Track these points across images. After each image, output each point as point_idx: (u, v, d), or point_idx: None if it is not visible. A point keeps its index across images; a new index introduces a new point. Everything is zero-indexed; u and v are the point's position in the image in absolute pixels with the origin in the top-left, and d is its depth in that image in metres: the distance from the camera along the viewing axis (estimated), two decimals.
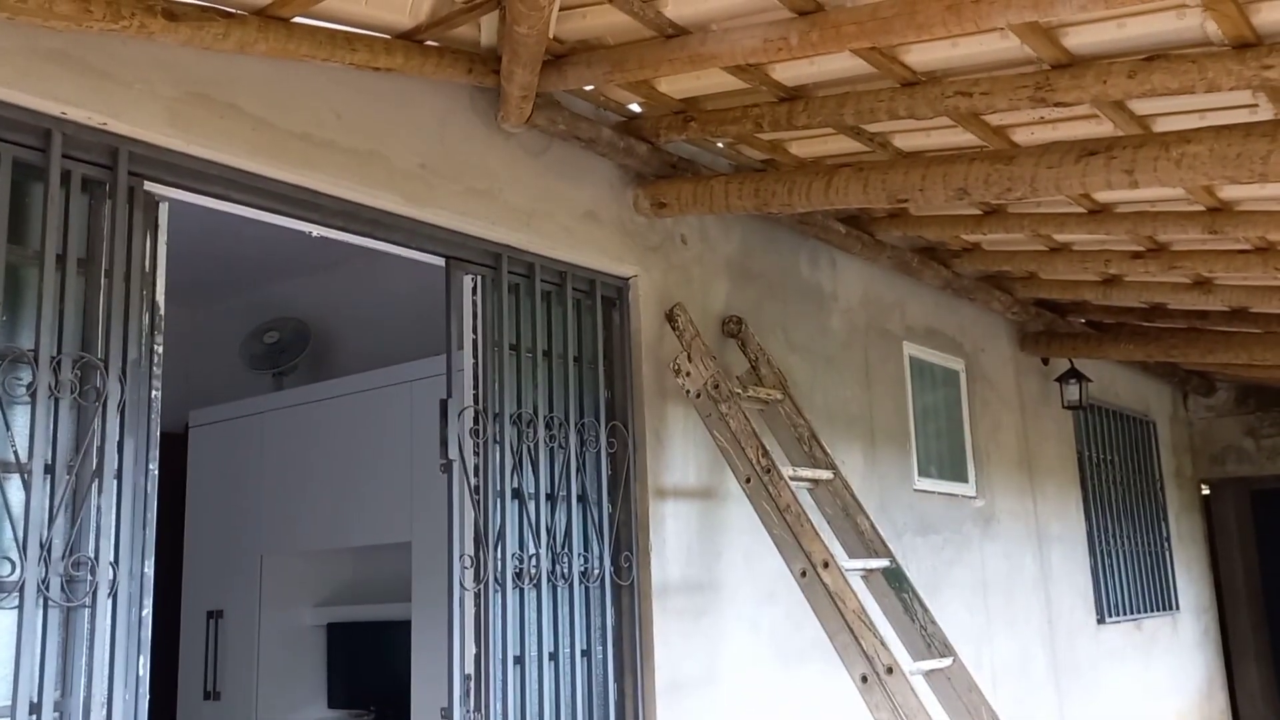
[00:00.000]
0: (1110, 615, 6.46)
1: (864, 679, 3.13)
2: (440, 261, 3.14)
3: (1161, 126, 3.05)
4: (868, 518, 3.69)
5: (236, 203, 2.68)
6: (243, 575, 4.73)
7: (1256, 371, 7.03)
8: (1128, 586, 6.79)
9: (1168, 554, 7.48)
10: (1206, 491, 8.60)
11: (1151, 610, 7.08)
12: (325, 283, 5.39)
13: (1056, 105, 2.76)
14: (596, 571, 3.35)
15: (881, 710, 3.07)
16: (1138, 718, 6.51)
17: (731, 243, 4.11)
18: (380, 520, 4.38)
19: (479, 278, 3.20)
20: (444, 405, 3.06)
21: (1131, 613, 6.77)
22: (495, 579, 3.04)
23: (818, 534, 3.31)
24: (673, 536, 3.60)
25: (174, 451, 5.14)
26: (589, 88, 3.22)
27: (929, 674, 3.35)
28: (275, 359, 5.20)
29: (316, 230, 2.87)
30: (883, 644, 3.12)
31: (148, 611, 2.34)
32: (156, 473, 2.42)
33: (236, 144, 2.60)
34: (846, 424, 4.57)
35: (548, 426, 3.29)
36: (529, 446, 3.23)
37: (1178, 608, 7.48)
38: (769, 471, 3.41)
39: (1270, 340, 5.45)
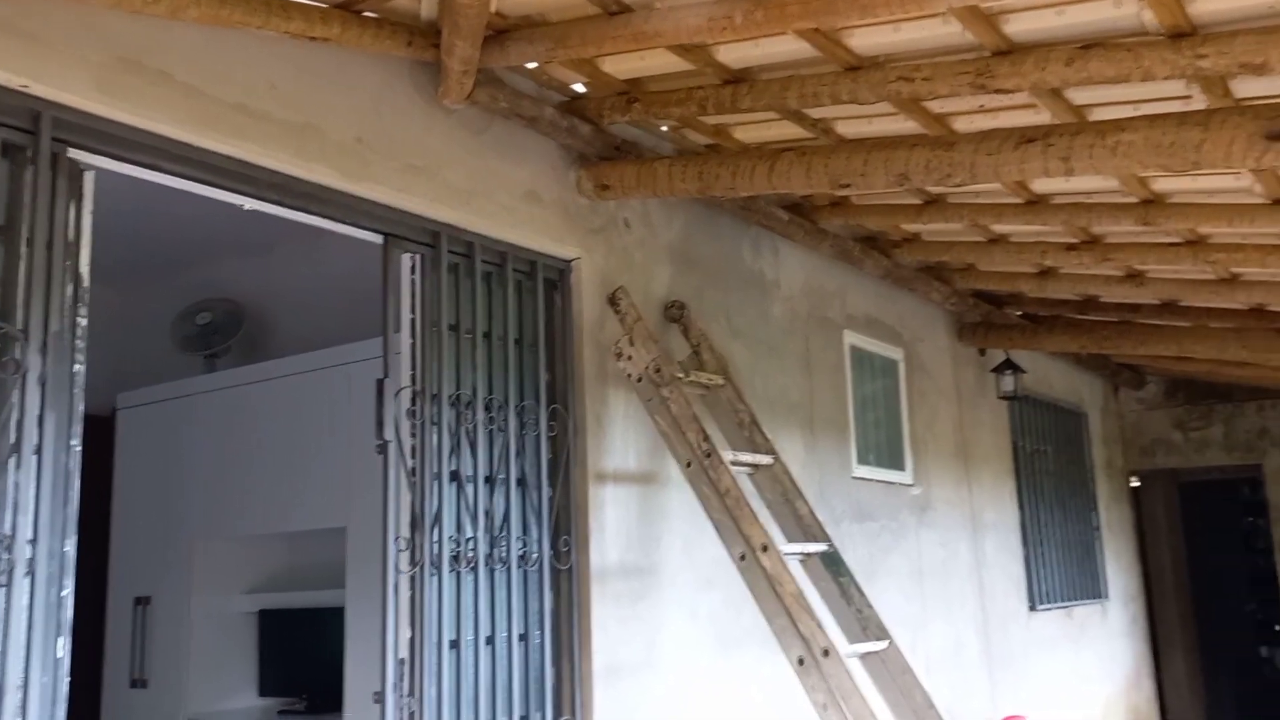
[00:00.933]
0: (1042, 603, 6.58)
1: (800, 661, 3.14)
2: (378, 239, 3.08)
3: (1097, 116, 3.10)
4: (806, 503, 3.70)
5: (166, 173, 2.60)
6: (172, 561, 4.61)
7: (1186, 365, 7.22)
8: (1059, 575, 6.93)
9: (1098, 543, 7.65)
10: (1136, 484, 8.81)
11: (1082, 598, 7.23)
12: (260, 264, 5.28)
13: (996, 92, 2.79)
14: (535, 555, 3.32)
15: (817, 692, 3.08)
16: (1067, 704, 6.65)
17: (674, 228, 4.10)
18: (315, 505, 4.30)
19: (418, 257, 3.14)
20: (380, 385, 3.01)
21: (1062, 600, 6.91)
22: (431, 562, 2.99)
23: (757, 518, 3.32)
24: (612, 521, 3.58)
25: (102, 434, 5.00)
26: (531, 65, 3.19)
27: (864, 657, 3.38)
28: (207, 341, 5.08)
29: (249, 203, 2.80)
30: (819, 627, 3.14)
31: (68, 592, 2.26)
32: (79, 450, 2.34)
33: (167, 112, 2.53)
34: (787, 411, 4.59)
35: (487, 409, 3.25)
36: (468, 429, 3.18)
37: (1107, 596, 7.66)
38: (709, 456, 3.40)
39: (1199, 333, 5.59)
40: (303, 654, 4.58)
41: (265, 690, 4.67)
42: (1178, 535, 9.43)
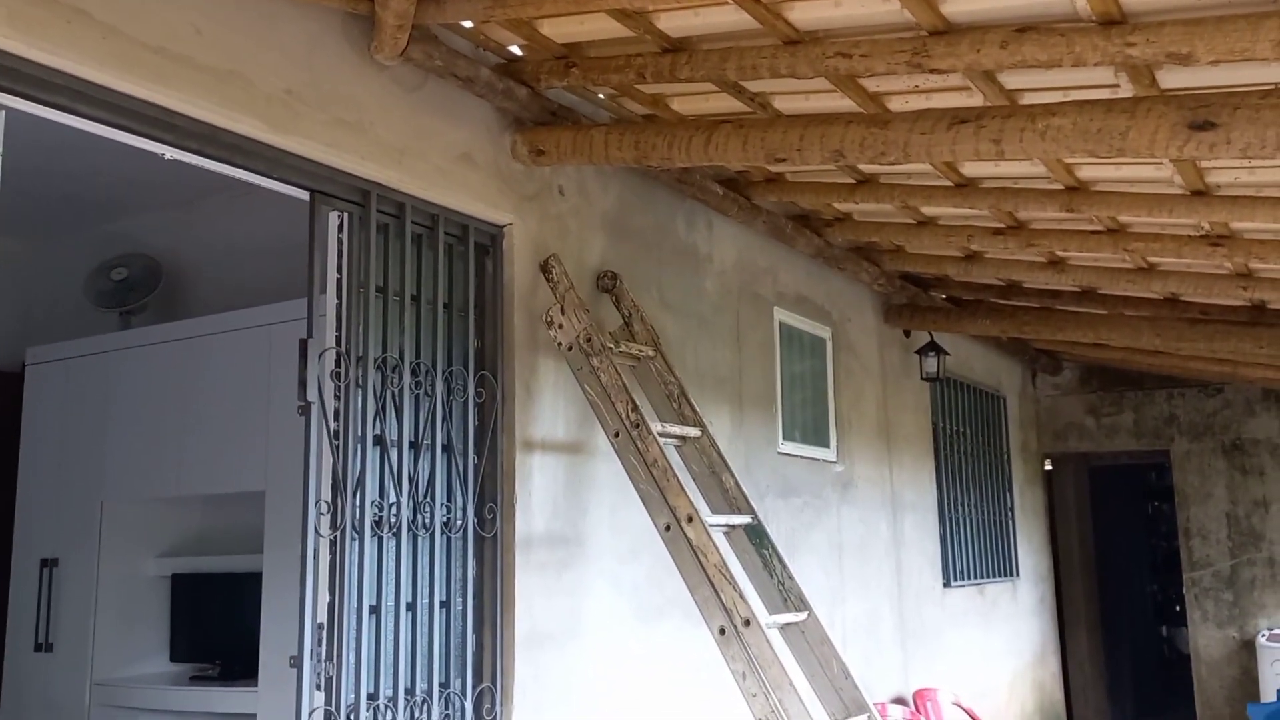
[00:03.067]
0: (955, 580, 6.75)
1: (722, 631, 3.17)
2: (304, 195, 3.00)
3: (1029, 101, 3.15)
4: (733, 475, 3.73)
5: (82, 116, 2.49)
6: (81, 522, 4.47)
7: (1101, 352, 7.43)
8: (973, 553, 7.10)
9: (1011, 524, 7.86)
10: (1049, 467, 9.06)
11: (994, 577, 7.43)
12: (180, 220, 5.12)
13: (932, 72, 2.81)
14: (459, 522, 3.29)
15: (737, 661, 3.11)
16: (977, 678, 6.84)
17: (609, 197, 4.07)
18: (233, 468, 4.20)
19: (345, 215, 3.07)
20: (304, 345, 2.94)
21: (975, 578, 7.09)
22: (353, 527, 2.94)
23: (683, 489, 3.33)
24: (539, 490, 3.57)
25: (9, 390, 4.82)
26: (468, 24, 3.12)
27: (784, 627, 3.42)
28: (123, 297, 4.92)
29: (170, 152, 2.70)
30: (741, 597, 3.17)
31: None
32: None
33: (83, 52, 2.42)
34: (716, 385, 4.62)
35: (414, 373, 3.20)
36: (393, 392, 3.13)
37: (1018, 575, 7.88)
38: (638, 426, 3.40)
39: (1115, 321, 5.75)
40: (217, 620, 4.49)
41: (177, 656, 4.57)
42: (1086, 518, 9.74)
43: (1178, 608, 9.14)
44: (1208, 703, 7.93)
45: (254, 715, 3.95)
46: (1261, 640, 7.49)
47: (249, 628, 4.09)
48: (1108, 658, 9.60)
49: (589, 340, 3.49)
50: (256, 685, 3.97)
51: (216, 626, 4.49)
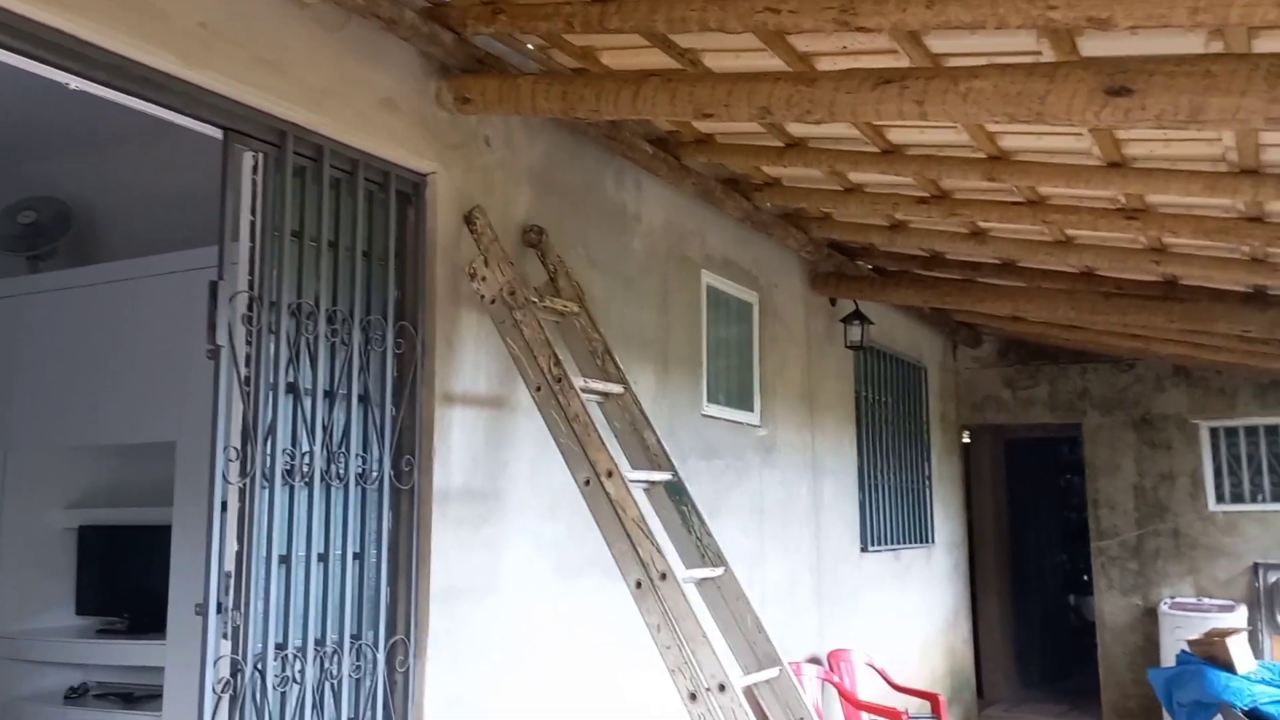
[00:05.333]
0: (873, 545, 6.88)
1: (638, 584, 3.18)
2: (218, 134, 2.91)
3: (952, 64, 3.18)
4: (654, 433, 3.73)
5: None
6: None
7: (1019, 326, 7.59)
8: (891, 519, 7.25)
9: (928, 492, 8.03)
10: (967, 440, 9.27)
11: (910, 543, 7.59)
12: (94, 166, 4.94)
13: (859, 30, 2.81)
14: (375, 474, 3.25)
15: (652, 614, 3.13)
16: (890, 641, 6.99)
17: (536, 151, 4.03)
18: (143, 418, 4.09)
19: (260, 156, 2.98)
20: (214, 287, 2.86)
21: (892, 544, 7.24)
22: (263, 475, 2.88)
23: (604, 444, 3.33)
24: (458, 444, 3.53)
25: None
26: None
27: (700, 582, 3.45)
28: (31, 241, 4.75)
29: (76, 82, 2.59)
30: (658, 551, 3.18)
31: None
32: None
33: None
34: (641, 346, 4.61)
35: (330, 321, 3.14)
36: (308, 340, 3.06)
37: (933, 542, 8.06)
38: (560, 381, 3.39)
39: (1033, 294, 5.87)
40: (126, 573, 4.39)
41: (84, 609, 4.46)
42: (1001, 489, 10.00)
43: (1085, 577, 9.44)
44: (1111, 668, 8.23)
45: (162, 668, 3.88)
46: (1164, 608, 7.78)
47: (158, 581, 4.00)
48: (1017, 624, 9.90)
49: (512, 294, 3.46)
50: (165, 638, 3.89)
51: (125, 580, 4.39)
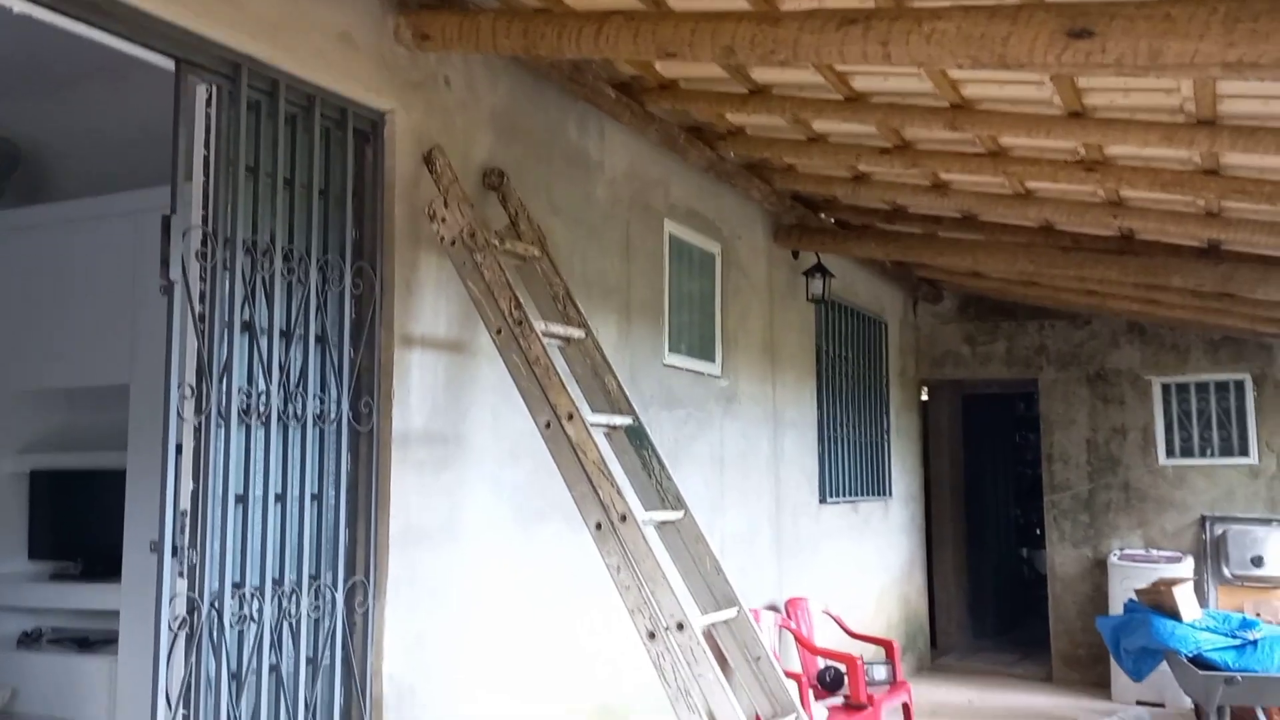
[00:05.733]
0: (831, 497, 6.96)
1: (598, 526, 3.20)
2: (170, 65, 2.83)
3: (916, 6, 3.16)
4: (615, 378, 3.74)
5: None
6: None
7: (979, 282, 7.66)
8: (849, 472, 7.33)
9: (887, 445, 8.12)
10: (926, 397, 9.36)
11: (868, 495, 7.69)
12: (43, 107, 4.80)
13: None
14: (333, 415, 3.22)
15: (612, 555, 3.15)
16: (847, 590, 7.10)
17: (498, 93, 3.97)
18: (96, 361, 4.04)
19: (214, 88, 2.92)
20: (167, 221, 2.80)
21: (850, 496, 7.33)
22: (218, 413, 2.85)
23: (564, 387, 3.33)
24: (418, 387, 3.51)
25: None
26: None
27: (660, 525, 3.48)
28: None
29: (18, 6, 2.51)
30: (618, 494, 3.20)
31: None
32: None
33: None
34: (604, 294, 4.60)
35: (286, 259, 3.09)
36: (263, 278, 3.02)
37: (891, 495, 8.17)
38: (520, 324, 3.37)
39: (991, 247, 5.92)
40: (79, 518, 4.34)
41: (36, 554, 4.41)
42: (958, 444, 10.14)
43: (1038, 531, 9.62)
44: (1061, 617, 8.42)
45: (117, 612, 3.86)
46: (1113, 559, 7.95)
47: (113, 527, 3.96)
48: (971, 576, 10.09)
49: (473, 235, 3.42)
50: (120, 583, 3.87)
51: (79, 525, 4.34)
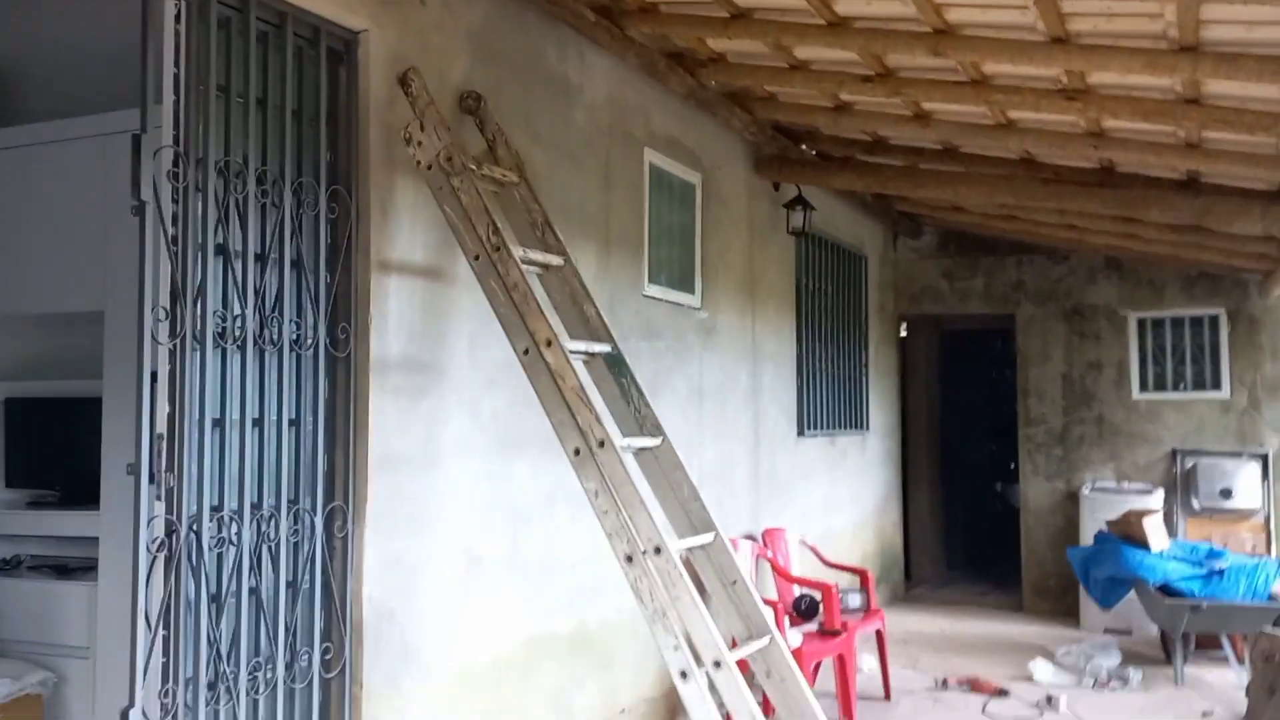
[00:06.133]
0: (809, 430, 7.01)
1: (577, 452, 3.21)
2: None
3: None
4: (594, 305, 3.72)
5: None
6: None
7: (959, 216, 7.66)
8: (827, 406, 7.37)
9: (865, 380, 8.17)
10: (905, 334, 9.40)
11: (845, 429, 7.75)
12: (6, 21, 4.67)
13: None
14: (310, 340, 3.20)
15: (590, 480, 3.17)
16: (824, 522, 7.19)
17: (475, 14, 3.89)
18: (69, 286, 3.97)
19: (183, 3, 2.83)
20: (137, 141, 2.75)
21: (828, 429, 7.38)
22: (194, 336, 2.82)
23: (542, 313, 3.32)
24: (395, 313, 3.49)
25: None
26: None
27: (639, 451, 3.49)
28: None
29: None
30: (597, 420, 3.21)
31: None
32: None
33: None
34: (583, 223, 4.57)
35: (259, 181, 3.05)
36: (236, 200, 2.98)
37: (868, 429, 8.24)
38: (499, 250, 3.34)
39: (972, 179, 5.90)
40: (56, 446, 4.31)
41: (12, 482, 4.38)
42: (935, 380, 10.22)
43: (1012, 466, 9.73)
44: (1033, 549, 8.57)
45: (96, 539, 3.85)
46: (1085, 492, 8.08)
47: (90, 455, 3.94)
48: (945, 509, 10.24)
49: (449, 159, 3.38)
50: (98, 510, 3.85)
51: (56, 453, 4.31)
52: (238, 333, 2.96)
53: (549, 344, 3.27)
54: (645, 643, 4.56)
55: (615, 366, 3.66)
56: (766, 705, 3.76)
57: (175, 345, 2.78)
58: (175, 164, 2.80)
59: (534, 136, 4.22)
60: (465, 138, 3.78)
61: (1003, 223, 7.46)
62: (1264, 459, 7.82)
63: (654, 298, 5.16)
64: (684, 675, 3.00)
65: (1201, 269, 7.88)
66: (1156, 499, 7.68)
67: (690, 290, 5.56)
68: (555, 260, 3.68)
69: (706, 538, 3.45)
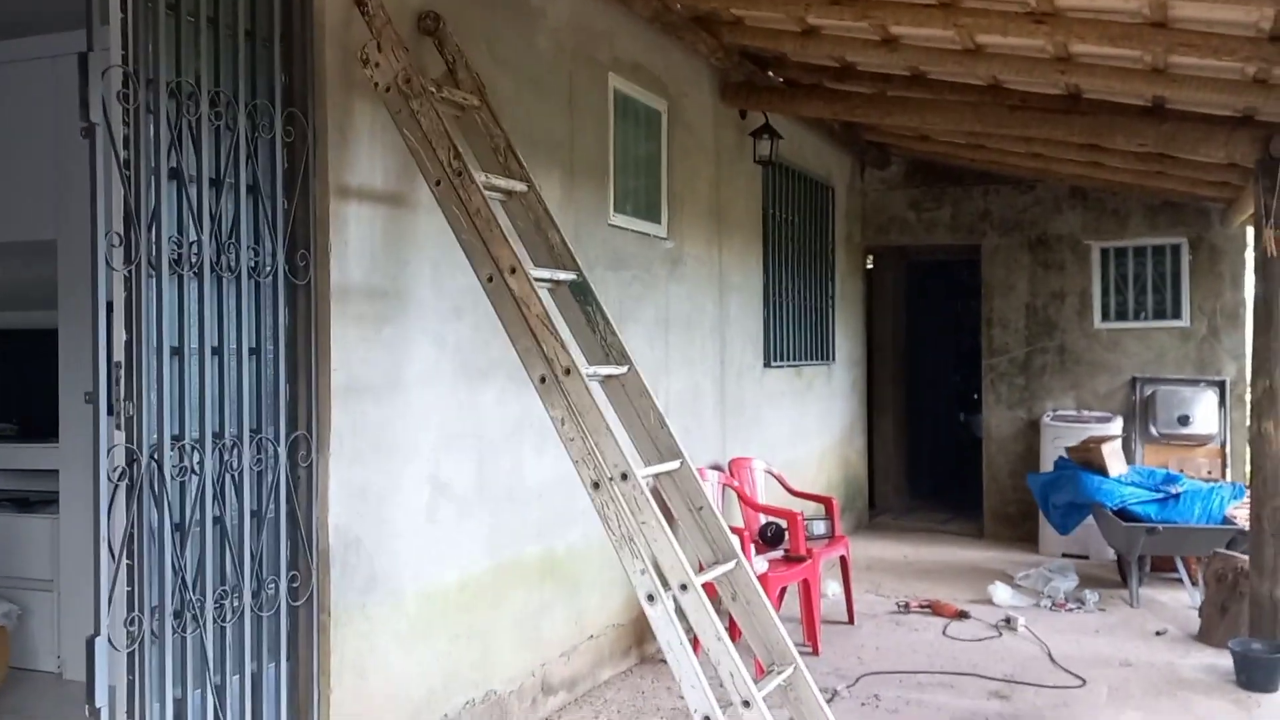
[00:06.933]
0: (775, 360, 7.04)
1: (542, 380, 3.20)
2: None
3: None
4: (559, 232, 3.68)
5: None
6: None
7: (926, 145, 7.63)
8: (793, 336, 7.40)
9: (831, 311, 8.20)
10: (871, 265, 9.41)
11: (811, 359, 7.79)
12: None
13: None
14: (269, 267, 3.14)
15: (556, 408, 3.16)
16: (789, 452, 7.26)
17: None
18: (18, 216, 3.88)
19: None
20: (84, 59, 2.66)
21: (794, 360, 7.41)
22: (149, 262, 2.77)
23: (506, 240, 3.27)
24: (355, 239, 3.43)
25: None
26: None
27: (605, 379, 3.48)
28: None
29: None
30: (563, 347, 3.19)
31: None
32: None
33: None
34: (548, 150, 4.50)
35: (213, 104, 2.96)
36: (189, 122, 2.89)
37: (834, 359, 8.29)
38: (460, 175, 3.29)
39: (940, 106, 5.86)
40: (13, 378, 4.25)
41: None
42: (901, 311, 10.28)
43: (976, 397, 9.85)
44: (994, 476, 8.71)
45: (56, 472, 3.82)
46: (1046, 420, 8.20)
47: (48, 388, 3.89)
48: (910, 439, 10.37)
49: (408, 81, 3.30)
50: (58, 442, 3.82)
51: (12, 386, 4.25)
52: (194, 259, 2.90)
53: (513, 271, 3.24)
54: (614, 569, 4.61)
55: (580, 294, 3.63)
56: (733, 628, 3.82)
57: (130, 272, 2.73)
58: (125, 84, 2.71)
59: (495, 60, 4.13)
60: (425, 60, 3.69)
61: (970, 152, 7.45)
62: (1221, 386, 7.96)
63: (620, 227, 5.11)
64: (651, 599, 3.03)
65: (1165, 198, 7.92)
66: (1116, 426, 7.81)
67: (657, 220, 5.52)
68: (518, 186, 3.63)
69: (673, 464, 3.46)
